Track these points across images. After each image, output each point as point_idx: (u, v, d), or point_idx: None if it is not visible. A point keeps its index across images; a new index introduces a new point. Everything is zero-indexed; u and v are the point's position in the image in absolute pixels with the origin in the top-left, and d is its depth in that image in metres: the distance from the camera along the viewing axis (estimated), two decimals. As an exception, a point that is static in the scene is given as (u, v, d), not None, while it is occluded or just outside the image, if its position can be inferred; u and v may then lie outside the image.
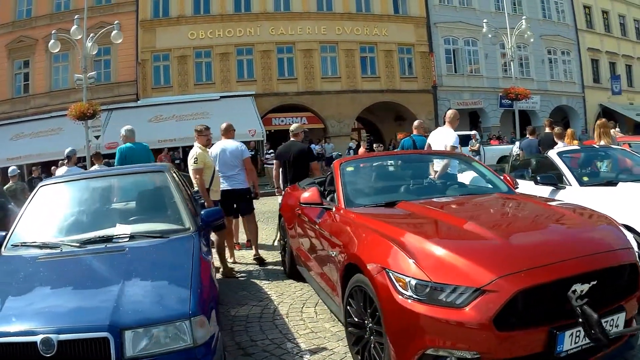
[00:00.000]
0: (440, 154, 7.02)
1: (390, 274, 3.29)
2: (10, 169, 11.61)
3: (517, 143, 13.93)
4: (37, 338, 2.95)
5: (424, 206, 4.43)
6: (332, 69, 28.35)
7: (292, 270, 6.66)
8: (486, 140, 25.56)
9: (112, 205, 5.38)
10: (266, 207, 12.82)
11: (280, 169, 8.48)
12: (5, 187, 10.45)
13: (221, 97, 26.69)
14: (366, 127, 32.74)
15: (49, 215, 4.80)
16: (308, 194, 5.05)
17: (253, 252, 8.00)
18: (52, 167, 18.46)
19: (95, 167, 11.26)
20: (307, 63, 27.91)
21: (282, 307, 5.69)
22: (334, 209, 4.83)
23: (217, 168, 7.59)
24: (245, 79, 27.50)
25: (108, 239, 4.20)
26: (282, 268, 7.22)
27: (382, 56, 28.77)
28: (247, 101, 26.47)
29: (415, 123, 10.05)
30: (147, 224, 4.52)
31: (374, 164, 6.29)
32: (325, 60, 28.29)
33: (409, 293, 3.15)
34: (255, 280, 6.94)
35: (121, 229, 4.40)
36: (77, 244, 4.14)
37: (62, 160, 18.29)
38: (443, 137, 8.04)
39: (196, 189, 7.11)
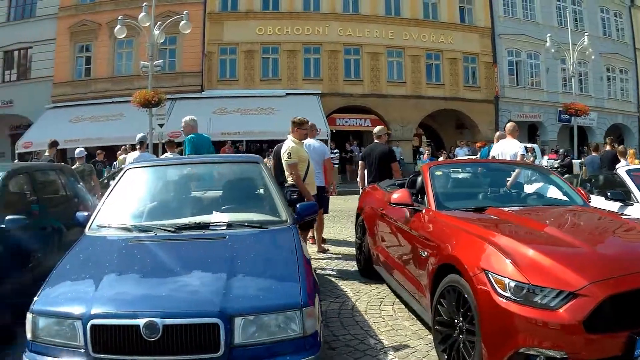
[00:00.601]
0: (521, 165, 7.24)
1: (490, 275, 3.44)
2: (77, 151, 11.57)
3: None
4: (140, 321, 2.94)
5: (512, 213, 4.66)
6: (398, 73, 28.20)
7: (366, 268, 6.79)
8: (551, 153, 25.46)
9: (204, 192, 5.41)
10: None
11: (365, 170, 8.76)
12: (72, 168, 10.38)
13: (287, 94, 26.37)
14: (427, 133, 32.57)
15: (136, 198, 4.87)
16: (398, 194, 5.18)
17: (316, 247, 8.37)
18: (118, 152, 18.41)
19: (168, 154, 11.22)
20: (373, 66, 27.74)
21: (359, 304, 5.78)
22: (423, 211, 4.96)
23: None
24: (312, 78, 27.28)
25: (204, 226, 4.19)
26: (357, 266, 7.34)
27: (447, 64, 28.64)
28: (312, 100, 26.20)
29: (497, 134, 10.40)
30: (244, 214, 4.52)
31: (460, 170, 6.65)
32: (391, 65, 28.13)
33: (507, 294, 3.30)
34: (330, 277, 7.05)
35: (218, 217, 4.37)
36: (172, 229, 4.12)
37: (124, 145, 18.40)
38: (511, 148, 8.46)
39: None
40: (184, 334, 2.93)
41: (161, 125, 20.96)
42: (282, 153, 7.35)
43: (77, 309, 3.11)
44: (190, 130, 8.63)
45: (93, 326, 3.00)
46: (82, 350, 3.03)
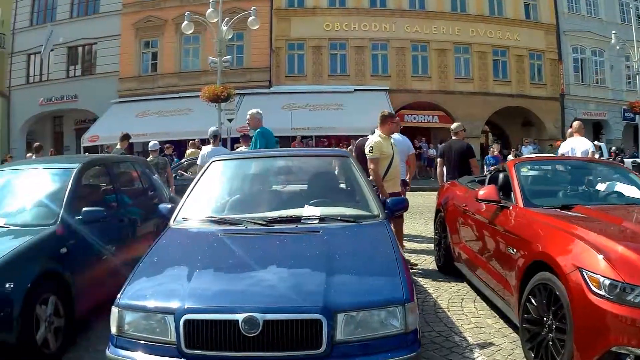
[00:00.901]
0: (600, 162, 7.25)
1: (584, 273, 3.38)
2: (151, 144, 11.68)
3: None
4: (239, 316, 2.84)
5: (600, 211, 4.57)
6: (465, 69, 27.93)
7: (445, 265, 6.75)
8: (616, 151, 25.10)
9: (292, 186, 5.38)
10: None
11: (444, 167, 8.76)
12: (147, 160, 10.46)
13: (355, 90, 26.18)
14: (493, 130, 32.25)
15: (222, 190, 4.86)
16: (485, 190, 5.12)
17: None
18: (190, 143, 18.55)
19: (242, 148, 11.02)
20: (440, 62, 27.51)
21: (441, 301, 5.75)
22: (510, 207, 4.88)
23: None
24: (380, 74, 27.11)
25: (296, 220, 4.10)
26: (435, 262, 7.31)
27: (513, 60, 28.33)
28: (381, 96, 26.01)
29: (569, 131, 10.25)
30: (335, 208, 4.41)
31: (543, 167, 6.56)
32: (458, 61, 27.86)
33: (601, 292, 3.25)
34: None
35: (310, 211, 4.25)
36: (263, 222, 4.03)
37: (193, 140, 18.31)
38: (582, 145, 8.45)
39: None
40: (284, 330, 2.83)
41: (230, 120, 20.92)
42: (365, 147, 7.13)
43: (168, 304, 3.01)
44: (258, 124, 8.55)
45: (187, 321, 2.89)
46: (173, 346, 2.93)
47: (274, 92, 26.03)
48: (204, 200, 4.58)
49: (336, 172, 5.31)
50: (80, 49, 28.84)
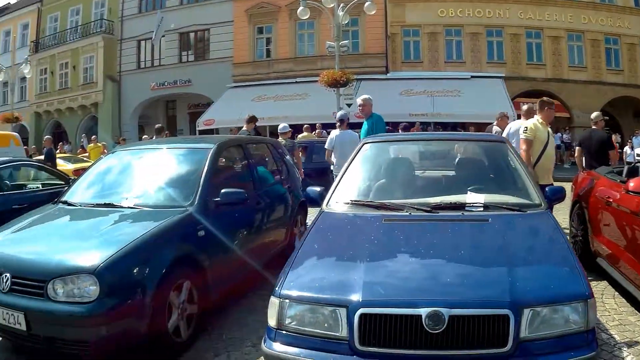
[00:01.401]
0: None
1: None
2: (281, 126, 11.62)
3: None
4: (423, 311, 2.66)
5: None
6: (579, 58, 27.68)
7: (581, 258, 6.55)
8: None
9: (446, 171, 5.16)
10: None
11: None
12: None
13: (472, 76, 26.11)
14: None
15: (373, 173, 4.73)
16: (636, 182, 4.79)
17: None
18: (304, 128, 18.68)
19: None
20: (554, 50, 27.30)
21: None
22: None
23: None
24: (495, 60, 27.04)
25: (460, 207, 3.93)
26: None
27: (625, 49, 28.00)
28: (497, 83, 25.91)
29: None
30: (497, 195, 4.20)
31: None
32: (572, 49, 27.61)
33: None
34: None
35: (473, 197, 4.08)
36: (427, 208, 3.85)
37: (306, 124, 18.44)
38: None
39: None
40: (470, 326, 2.63)
41: (349, 105, 20.90)
42: (520, 128, 7.02)
43: (341, 296, 2.83)
44: (370, 109, 8.56)
45: (362, 315, 2.71)
46: (344, 342, 2.75)
47: (391, 78, 26.04)
48: (356, 184, 4.46)
49: (494, 157, 5.03)
50: (192, 34, 29.40)
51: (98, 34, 30.89)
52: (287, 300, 2.91)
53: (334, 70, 19.16)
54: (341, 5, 19.20)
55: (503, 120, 10.48)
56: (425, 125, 24.78)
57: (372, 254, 3.22)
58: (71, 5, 33.34)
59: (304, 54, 27.16)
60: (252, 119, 11.14)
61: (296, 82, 25.91)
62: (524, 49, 27.25)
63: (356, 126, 10.60)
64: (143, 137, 21.26)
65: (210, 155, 5.28)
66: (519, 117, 10.87)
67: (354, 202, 4.13)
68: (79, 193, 5.44)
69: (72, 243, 4.16)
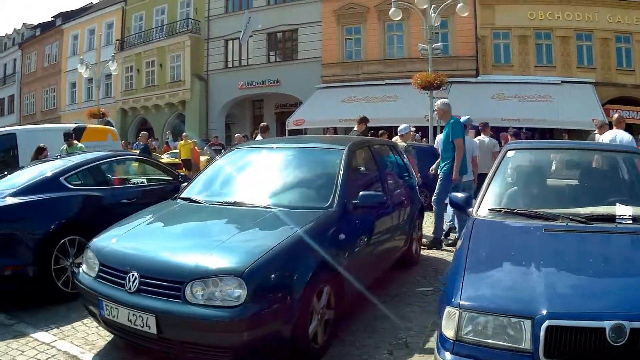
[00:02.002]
0: None
1: None
2: (401, 127, 11.31)
3: None
4: (607, 324, 2.65)
5: None
6: (669, 62, 27.32)
7: None
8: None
9: (587, 180, 5.00)
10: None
11: None
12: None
13: (562, 81, 26.04)
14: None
15: (517, 180, 4.75)
16: None
17: None
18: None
19: (483, 137, 10.75)
20: (644, 55, 27.01)
21: None
22: None
23: None
24: (585, 65, 26.88)
25: (610, 218, 3.88)
26: None
27: None
28: (587, 89, 25.79)
29: None
30: None
31: None
32: (662, 54, 27.27)
33: None
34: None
35: (623, 209, 3.98)
36: (582, 219, 3.82)
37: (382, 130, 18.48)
38: None
39: None
40: None
41: None
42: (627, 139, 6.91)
43: (526, 307, 2.83)
44: (447, 115, 8.52)
45: (549, 327, 2.71)
46: (528, 355, 2.75)
47: (481, 82, 26.20)
48: (503, 191, 4.49)
49: (628, 169, 4.90)
50: (279, 34, 30.08)
51: (184, 33, 31.90)
52: (467, 311, 2.90)
53: (428, 73, 19.43)
54: (432, 7, 19.48)
55: (604, 128, 10.42)
56: (518, 130, 24.91)
57: (546, 264, 3.22)
58: (156, 5, 34.53)
59: (393, 56, 27.47)
60: (364, 120, 10.82)
61: (386, 84, 26.18)
62: (614, 54, 27.07)
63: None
64: (235, 136, 21.75)
65: (344, 155, 5.25)
66: (609, 126, 10.80)
67: (507, 210, 4.12)
68: (202, 190, 5.50)
69: (209, 243, 4.08)
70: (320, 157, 5.71)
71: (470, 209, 4.31)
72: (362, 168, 6.19)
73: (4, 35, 52.59)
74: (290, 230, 4.14)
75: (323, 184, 5.06)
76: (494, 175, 4.54)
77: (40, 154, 9.38)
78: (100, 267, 4.14)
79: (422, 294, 5.89)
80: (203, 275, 3.63)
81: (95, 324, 4.72)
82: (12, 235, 5.46)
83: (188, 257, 3.85)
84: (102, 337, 4.76)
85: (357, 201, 4.87)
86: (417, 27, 25.44)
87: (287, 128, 26.48)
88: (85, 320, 5.11)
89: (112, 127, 14.55)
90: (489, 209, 4.16)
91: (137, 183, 8.12)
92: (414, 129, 20.14)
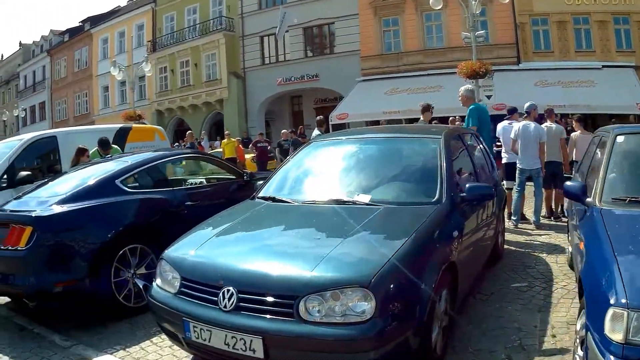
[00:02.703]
0: None
1: None
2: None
3: None
4: None
5: None
6: None
7: None
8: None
9: None
10: None
11: None
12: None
13: (603, 66, 26.27)
14: None
15: (630, 170, 4.50)
16: None
17: None
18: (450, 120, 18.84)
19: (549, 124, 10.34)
20: (685, 36, 27.21)
21: None
22: None
23: None
24: (624, 49, 27.15)
25: None
26: None
27: None
28: (628, 72, 26.07)
29: None
30: None
31: None
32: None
33: None
34: None
35: None
36: None
37: (452, 116, 18.69)
38: None
39: None
40: None
41: (489, 97, 21.39)
42: None
43: None
44: (469, 101, 8.87)
45: None
46: None
47: (523, 69, 26.53)
48: (619, 178, 4.34)
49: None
50: (315, 29, 30.62)
51: (218, 31, 32.57)
52: (635, 311, 2.70)
53: (473, 61, 19.78)
54: None
55: None
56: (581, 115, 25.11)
57: None
58: (187, 5, 35.28)
59: (432, 46, 27.92)
60: (428, 108, 10.29)
61: (427, 74, 26.64)
62: (653, 36, 27.26)
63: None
64: (282, 132, 22.12)
65: (442, 145, 4.95)
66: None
67: (632, 199, 3.95)
68: (285, 188, 5.19)
69: (318, 248, 3.65)
70: (415, 147, 5.37)
71: (589, 199, 4.20)
72: (457, 158, 5.59)
73: (31, 43, 53.65)
74: (408, 230, 3.77)
75: (424, 176, 4.77)
76: (608, 162, 4.39)
77: (81, 156, 8.99)
78: (183, 281, 3.72)
79: (518, 291, 5.70)
80: (320, 288, 3.20)
81: (168, 342, 4.41)
82: (63, 247, 5.18)
83: (298, 266, 3.44)
84: (178, 358, 4.39)
85: (464, 194, 4.56)
86: (455, 15, 26.13)
87: (330, 122, 26.79)
88: (154, 339, 4.79)
89: (159, 127, 13.84)
90: (612, 198, 4.01)
91: (197, 183, 7.82)
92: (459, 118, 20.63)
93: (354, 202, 4.45)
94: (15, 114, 44.10)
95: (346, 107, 26.98)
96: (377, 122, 23.71)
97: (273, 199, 4.93)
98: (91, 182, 5.95)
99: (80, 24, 47.36)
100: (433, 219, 4.05)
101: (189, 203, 6.38)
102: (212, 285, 3.51)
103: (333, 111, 27.32)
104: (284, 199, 4.87)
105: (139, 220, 5.89)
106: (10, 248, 5.10)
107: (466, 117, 8.83)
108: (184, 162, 8.55)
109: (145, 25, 37.81)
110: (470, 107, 8.77)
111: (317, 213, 4.47)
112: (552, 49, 27.34)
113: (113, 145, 10.03)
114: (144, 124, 30.99)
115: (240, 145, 20.17)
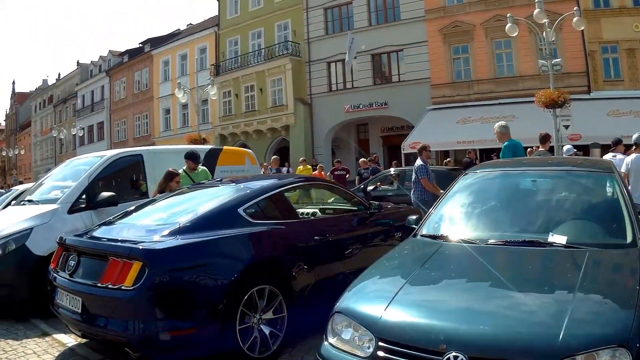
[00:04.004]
0: None
1: None
2: (565, 148, 12.13)
3: None
4: None
5: None
6: None
7: None
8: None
9: None
10: None
11: None
12: None
13: (675, 95, 26.87)
14: None
15: None
16: None
17: None
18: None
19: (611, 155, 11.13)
20: None
21: None
22: None
23: None
24: (695, 77, 27.69)
25: None
26: None
27: None
28: (701, 101, 26.52)
29: None
30: None
31: None
32: None
33: None
34: None
35: None
36: None
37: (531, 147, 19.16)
38: None
39: None
40: None
41: (566, 127, 21.92)
42: None
43: None
44: (504, 137, 9.39)
45: None
46: None
47: (594, 98, 27.37)
48: None
49: None
50: (384, 56, 32.15)
51: (284, 56, 34.27)
52: None
53: (550, 90, 20.50)
54: (545, 22, 20.47)
55: None
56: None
57: None
58: (251, 29, 37.37)
59: (503, 74, 28.99)
60: (547, 137, 10.78)
61: (499, 103, 27.58)
62: None
63: None
64: (360, 161, 22.39)
65: (617, 180, 4.77)
66: None
67: None
68: (457, 226, 4.81)
69: (549, 305, 3.24)
70: (589, 182, 5.08)
71: None
72: None
73: (89, 62, 56.48)
74: (633, 278, 3.52)
75: (610, 215, 4.48)
76: None
77: (170, 181, 8.27)
78: (380, 343, 3.21)
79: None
80: (572, 353, 2.82)
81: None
82: (180, 288, 4.66)
83: (540, 328, 2.99)
84: None
85: None
86: (525, 43, 27.23)
87: (402, 152, 28.04)
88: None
89: (249, 150, 13.22)
90: None
91: (311, 214, 7.42)
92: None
93: (550, 244, 4.09)
94: (73, 133, 46.39)
95: (418, 136, 27.69)
96: (447, 153, 24.71)
97: (445, 239, 4.50)
98: (209, 209, 5.47)
99: (141, 45, 49.84)
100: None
101: (317, 237, 5.95)
102: (430, 351, 3.00)
103: (405, 140, 28.35)
104: (463, 238, 4.40)
105: (266, 256, 5.42)
106: (111, 286, 4.60)
107: (501, 152, 9.35)
108: (313, 190, 8.25)
109: (208, 49, 40.07)
110: (505, 144, 9.29)
111: (516, 257, 4.11)
112: (622, 77, 28.19)
113: (201, 167, 9.51)
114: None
115: (321, 172, 20.79)
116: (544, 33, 20.41)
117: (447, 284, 3.79)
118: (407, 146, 27.67)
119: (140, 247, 4.67)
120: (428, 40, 30.24)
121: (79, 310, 4.93)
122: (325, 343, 3.54)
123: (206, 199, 5.88)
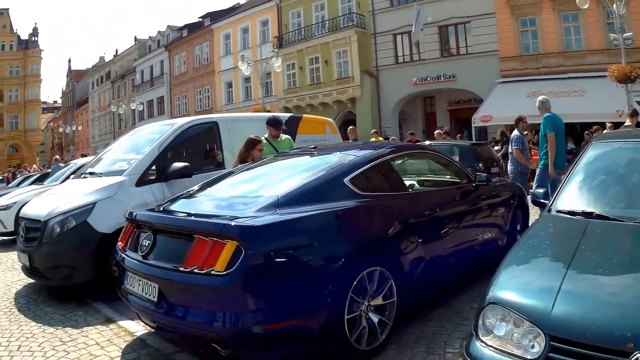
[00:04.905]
0: None
1: None
2: None
3: None
4: None
5: None
6: None
7: None
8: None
9: None
10: None
11: None
12: None
13: None
14: None
15: None
16: None
17: None
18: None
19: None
20: None
21: None
22: None
23: None
24: None
25: None
26: None
27: None
28: None
29: None
30: None
31: None
32: None
33: None
34: None
35: None
36: None
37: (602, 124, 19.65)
38: None
39: None
40: None
41: (639, 103, 22.22)
42: None
43: None
44: (544, 111, 9.89)
45: None
46: None
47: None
48: None
49: None
50: (451, 28, 33.07)
51: (349, 28, 35.35)
52: None
53: (623, 65, 20.82)
54: None
55: None
56: None
57: None
58: (314, 1, 38.71)
59: (571, 48, 29.52)
60: (635, 113, 11.51)
61: (568, 77, 28.08)
62: None
63: None
64: (435, 132, 23.01)
65: None
66: None
67: None
68: (597, 202, 4.32)
69: None
70: None
71: None
72: None
73: (147, 38, 58.80)
74: None
75: None
76: None
77: (253, 149, 7.79)
78: (553, 342, 2.80)
79: None
80: None
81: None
82: (284, 272, 4.04)
83: None
84: None
85: None
86: (593, 17, 27.74)
87: (473, 125, 29.10)
88: None
89: (329, 119, 12.68)
90: None
91: (412, 187, 6.94)
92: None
93: None
94: (133, 108, 48.45)
95: (489, 109, 28.80)
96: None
97: (588, 215, 4.01)
98: (310, 179, 4.92)
99: (200, 19, 51.67)
100: None
101: (426, 212, 5.49)
102: (615, 351, 2.61)
103: (476, 113, 29.23)
104: (610, 216, 3.93)
105: (378, 234, 4.85)
106: (197, 271, 3.99)
107: (542, 125, 9.84)
108: (417, 160, 7.84)
109: (270, 21, 41.61)
110: (545, 115, 9.78)
111: None
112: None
113: (284, 135, 9.02)
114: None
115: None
116: (615, 6, 20.95)
117: (614, 270, 3.29)
118: (478, 119, 28.71)
119: (235, 224, 4.02)
120: (495, 11, 30.87)
121: (155, 299, 4.33)
122: (477, 342, 3.09)
123: (302, 168, 5.47)
